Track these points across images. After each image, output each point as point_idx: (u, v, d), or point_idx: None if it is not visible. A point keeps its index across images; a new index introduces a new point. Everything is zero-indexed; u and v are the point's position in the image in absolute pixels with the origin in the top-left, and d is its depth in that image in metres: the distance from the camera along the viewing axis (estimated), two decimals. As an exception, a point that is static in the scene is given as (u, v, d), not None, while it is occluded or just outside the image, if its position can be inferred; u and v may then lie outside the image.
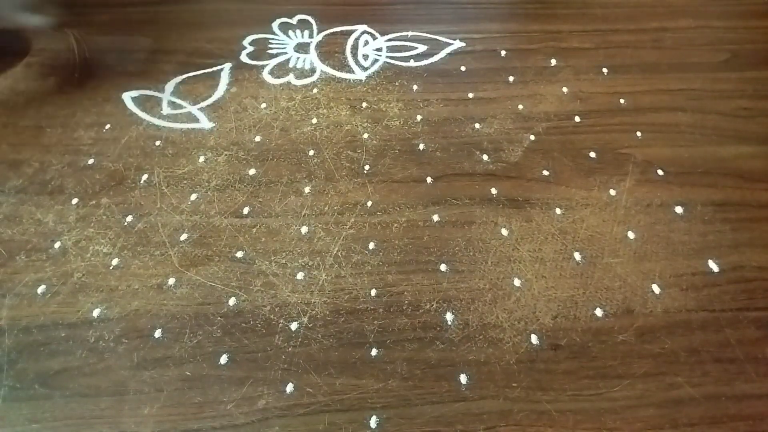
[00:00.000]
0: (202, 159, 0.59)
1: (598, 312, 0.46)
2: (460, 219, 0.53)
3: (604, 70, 0.70)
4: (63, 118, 0.63)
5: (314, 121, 0.63)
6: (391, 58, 0.72)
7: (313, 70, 0.70)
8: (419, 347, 0.44)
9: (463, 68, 0.70)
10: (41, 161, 0.58)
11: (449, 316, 0.46)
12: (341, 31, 0.76)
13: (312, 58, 0.72)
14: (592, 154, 0.59)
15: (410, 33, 0.76)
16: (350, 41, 0.75)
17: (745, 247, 0.51)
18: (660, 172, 0.57)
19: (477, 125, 0.62)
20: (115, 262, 0.49)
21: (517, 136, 0.61)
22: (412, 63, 0.71)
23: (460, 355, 0.43)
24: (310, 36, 0.76)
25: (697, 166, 0.58)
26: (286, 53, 0.73)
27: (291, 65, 0.71)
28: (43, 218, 0.53)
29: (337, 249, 0.50)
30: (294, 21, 0.78)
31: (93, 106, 0.64)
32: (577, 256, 0.50)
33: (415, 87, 0.68)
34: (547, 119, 0.63)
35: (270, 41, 0.75)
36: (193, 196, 0.55)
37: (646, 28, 0.76)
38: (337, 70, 0.70)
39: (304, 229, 0.52)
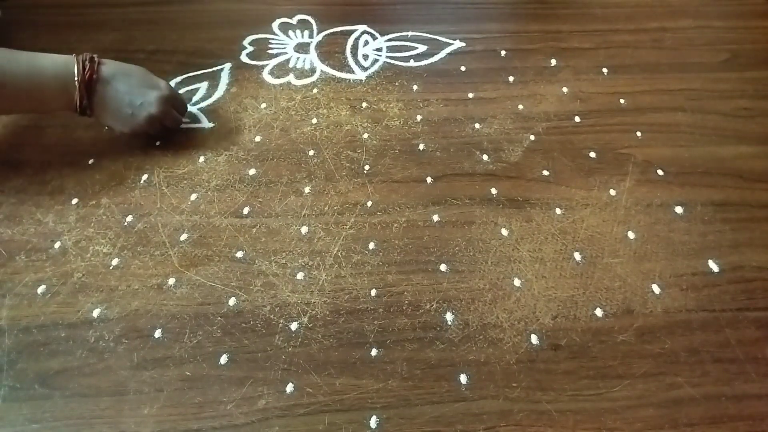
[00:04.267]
0: (202, 159, 0.59)
1: (598, 312, 0.46)
2: (460, 219, 0.53)
3: (604, 70, 0.70)
4: (63, 118, 0.62)
5: (314, 121, 0.63)
6: (391, 58, 0.72)
7: (313, 70, 0.70)
8: (419, 347, 0.44)
9: (463, 68, 0.70)
10: (41, 161, 0.58)
11: (449, 316, 0.46)
12: (341, 31, 0.76)
13: (312, 58, 0.72)
14: (592, 154, 0.59)
15: (410, 33, 0.76)
16: (350, 41, 0.75)
17: (745, 247, 0.51)
18: (660, 172, 0.57)
19: (477, 125, 0.62)
20: (115, 262, 0.49)
21: (517, 136, 0.61)
22: (412, 63, 0.71)
23: (460, 355, 0.43)
24: (310, 36, 0.76)
25: (697, 166, 0.58)
26: (286, 53, 0.73)
27: (291, 65, 0.71)
28: (43, 218, 0.53)
29: (337, 249, 0.50)
30: (294, 21, 0.78)
31: (93, 106, 0.64)
32: (577, 256, 0.50)
33: (415, 87, 0.68)
34: (547, 119, 0.63)
35: (270, 41, 0.75)
36: (193, 196, 0.55)
37: (646, 28, 0.77)
38: (337, 70, 0.70)
39: (304, 229, 0.52)
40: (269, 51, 0.73)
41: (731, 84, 0.68)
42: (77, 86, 0.52)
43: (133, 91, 0.55)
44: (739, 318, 0.46)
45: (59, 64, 0.52)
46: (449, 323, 0.45)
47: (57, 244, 0.51)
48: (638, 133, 0.61)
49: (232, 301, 0.47)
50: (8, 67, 0.51)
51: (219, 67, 0.70)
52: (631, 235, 0.52)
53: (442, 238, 0.51)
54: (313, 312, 0.46)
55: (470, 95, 0.66)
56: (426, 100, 0.66)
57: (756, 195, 0.55)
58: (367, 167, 0.58)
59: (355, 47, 0.74)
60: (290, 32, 0.76)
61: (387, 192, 0.55)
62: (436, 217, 0.53)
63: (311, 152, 0.59)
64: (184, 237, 0.51)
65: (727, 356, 0.43)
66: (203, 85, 0.67)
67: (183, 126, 0.62)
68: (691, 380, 0.42)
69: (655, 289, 0.47)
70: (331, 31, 0.76)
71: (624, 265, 0.49)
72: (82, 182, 0.56)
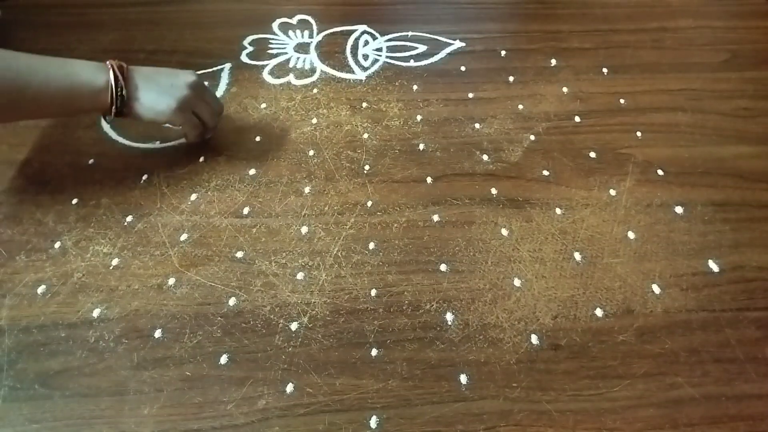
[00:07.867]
0: (202, 159, 0.59)
1: (598, 312, 0.46)
2: (460, 219, 0.53)
3: (604, 70, 0.70)
4: (63, 118, 0.62)
5: (314, 121, 0.63)
6: (391, 58, 0.72)
7: (313, 70, 0.70)
8: (419, 347, 0.44)
9: (463, 68, 0.70)
10: (41, 161, 0.58)
11: (449, 316, 0.46)
12: (341, 31, 0.76)
13: (312, 58, 0.72)
14: (592, 154, 0.59)
15: (410, 33, 0.76)
16: (350, 41, 0.75)
17: (745, 247, 0.51)
18: (660, 172, 0.57)
19: (477, 125, 0.62)
20: (115, 262, 0.49)
21: (517, 136, 0.61)
22: (412, 63, 0.71)
23: (460, 355, 0.43)
24: (310, 36, 0.76)
25: (697, 166, 0.58)
26: (286, 53, 0.73)
27: (291, 65, 0.71)
28: (43, 218, 0.53)
29: (337, 249, 0.50)
30: (294, 21, 0.78)
31: (93, 106, 0.64)
32: (577, 256, 0.50)
33: (415, 87, 0.68)
34: (547, 119, 0.63)
35: (270, 41, 0.75)
36: (193, 196, 0.55)
37: (646, 28, 0.76)
38: (337, 70, 0.70)
39: (304, 229, 0.52)
40: (269, 51, 0.73)
41: (731, 84, 0.68)
42: (113, 83, 0.51)
43: (161, 76, 0.54)
44: (739, 318, 0.46)
45: (92, 67, 0.51)
46: (449, 323, 0.45)
47: (57, 244, 0.51)
48: (638, 133, 0.61)
49: (232, 301, 0.47)
50: (44, 72, 0.49)
51: (219, 67, 0.70)
52: (631, 235, 0.52)
53: (442, 238, 0.51)
54: (313, 312, 0.46)
55: (470, 95, 0.66)
56: (426, 100, 0.66)
57: (756, 195, 0.55)
58: (367, 167, 0.58)
59: (355, 47, 0.74)
60: (290, 32, 0.76)
61: (387, 192, 0.55)
62: (436, 217, 0.53)
63: (311, 152, 0.59)
64: (184, 237, 0.51)
65: (727, 356, 0.43)
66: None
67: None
68: (691, 380, 0.42)
69: (655, 289, 0.47)
70: (331, 31, 0.76)
71: (624, 265, 0.49)
72: (82, 182, 0.56)
